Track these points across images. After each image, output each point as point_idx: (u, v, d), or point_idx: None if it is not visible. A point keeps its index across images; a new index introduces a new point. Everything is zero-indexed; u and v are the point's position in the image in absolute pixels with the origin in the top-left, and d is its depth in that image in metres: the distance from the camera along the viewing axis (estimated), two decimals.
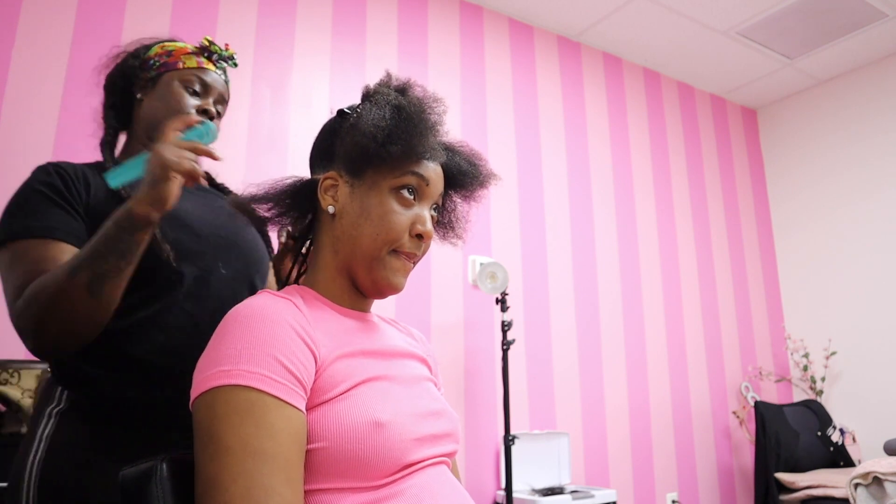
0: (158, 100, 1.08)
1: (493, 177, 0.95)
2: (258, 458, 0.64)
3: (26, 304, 0.87)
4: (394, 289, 0.84)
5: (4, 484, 1.48)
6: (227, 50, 1.15)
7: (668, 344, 3.33)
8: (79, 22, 2.12)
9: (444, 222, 0.96)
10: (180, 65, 1.09)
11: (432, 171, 0.85)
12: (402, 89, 0.88)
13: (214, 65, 1.13)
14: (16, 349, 1.82)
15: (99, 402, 0.96)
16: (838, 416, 3.55)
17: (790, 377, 3.80)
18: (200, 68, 1.10)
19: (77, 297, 0.84)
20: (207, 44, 1.12)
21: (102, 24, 2.16)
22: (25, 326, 0.88)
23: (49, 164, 1.02)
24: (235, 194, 0.89)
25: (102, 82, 1.14)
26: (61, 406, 0.97)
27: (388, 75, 0.90)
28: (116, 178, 0.93)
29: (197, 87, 1.09)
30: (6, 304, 0.92)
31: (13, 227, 0.93)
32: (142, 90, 1.10)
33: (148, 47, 1.12)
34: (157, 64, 1.09)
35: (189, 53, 1.11)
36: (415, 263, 0.87)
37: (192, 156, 0.89)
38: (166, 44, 1.12)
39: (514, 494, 2.45)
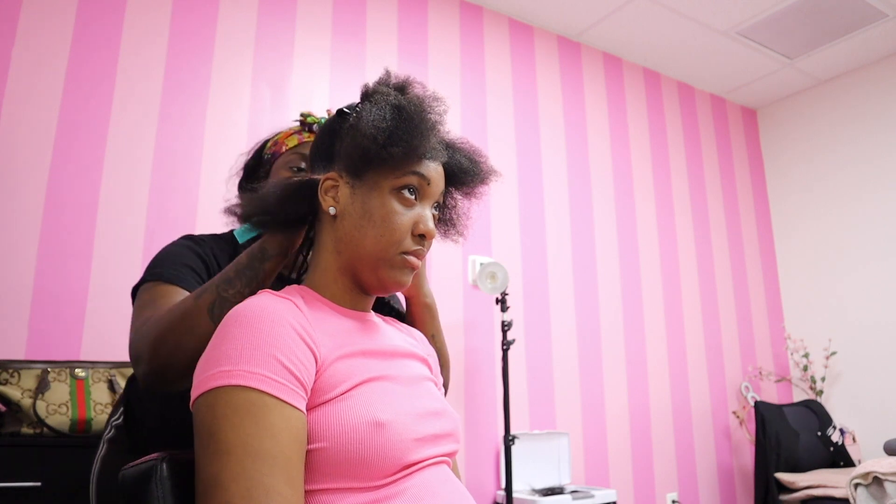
0: None
1: (494, 173, 0.94)
2: (258, 458, 0.64)
3: (150, 326, 0.88)
4: (401, 286, 0.84)
5: (4, 484, 1.49)
6: (328, 115, 1.18)
7: (668, 344, 3.33)
8: (79, 22, 2.12)
9: (446, 219, 0.95)
10: (283, 148, 1.16)
11: (433, 170, 0.85)
12: (402, 87, 0.87)
13: (314, 134, 1.18)
14: (16, 349, 1.82)
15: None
16: (838, 416, 3.55)
17: (790, 377, 3.80)
18: (301, 143, 1.16)
19: (198, 318, 0.85)
20: (303, 118, 1.18)
21: (102, 23, 2.16)
22: (142, 346, 0.88)
23: (192, 236, 1.11)
24: (231, 204, 0.90)
25: (236, 186, 1.23)
26: (118, 420, 1.11)
27: (388, 73, 0.89)
28: (243, 235, 1.00)
29: (301, 164, 1.15)
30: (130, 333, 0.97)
31: (157, 270, 1.00)
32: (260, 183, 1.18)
33: (263, 146, 1.19)
34: (269, 156, 1.16)
35: (291, 134, 1.17)
36: (420, 259, 0.87)
37: None
38: (277, 135, 1.19)
39: (514, 494, 2.45)
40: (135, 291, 1.01)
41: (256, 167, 1.20)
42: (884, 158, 3.55)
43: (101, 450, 1.13)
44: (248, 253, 0.89)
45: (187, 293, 0.96)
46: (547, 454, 2.67)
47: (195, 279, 1.00)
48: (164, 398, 1.06)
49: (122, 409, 1.13)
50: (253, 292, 0.87)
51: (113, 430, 1.13)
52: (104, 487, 1.09)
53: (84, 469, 1.20)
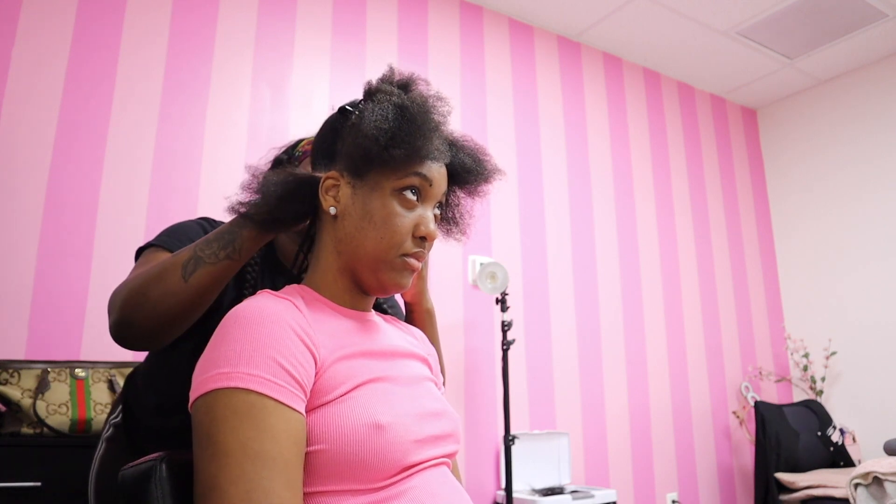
0: None
1: (497, 172, 0.92)
2: (258, 461, 0.64)
3: (129, 280, 0.91)
4: (401, 288, 0.83)
5: (4, 484, 1.48)
6: None
7: (668, 344, 3.33)
8: (79, 22, 2.12)
9: (448, 218, 0.94)
10: None
11: (436, 171, 0.83)
12: (406, 85, 0.86)
13: None
14: (16, 349, 1.82)
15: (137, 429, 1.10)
16: (838, 416, 3.55)
17: (790, 377, 3.80)
18: None
19: (171, 272, 0.87)
20: None
21: (102, 23, 2.16)
22: (117, 297, 0.90)
23: (208, 218, 1.15)
24: (234, 202, 0.89)
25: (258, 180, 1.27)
26: (117, 419, 1.13)
27: (391, 70, 0.87)
28: None
29: None
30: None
31: (163, 238, 1.03)
32: None
33: (296, 144, 1.22)
34: (300, 154, 1.19)
35: None
36: (421, 261, 0.86)
37: None
38: (311, 137, 1.23)
39: (514, 494, 2.45)
40: (139, 253, 1.04)
41: (287, 163, 1.21)
42: (884, 158, 3.55)
43: (100, 449, 1.13)
44: (229, 221, 0.91)
45: None
46: (547, 454, 2.67)
47: None
48: (161, 395, 1.06)
49: (120, 407, 1.13)
50: (229, 256, 0.88)
51: (111, 429, 1.13)
52: (103, 486, 1.09)
53: (84, 469, 1.20)
